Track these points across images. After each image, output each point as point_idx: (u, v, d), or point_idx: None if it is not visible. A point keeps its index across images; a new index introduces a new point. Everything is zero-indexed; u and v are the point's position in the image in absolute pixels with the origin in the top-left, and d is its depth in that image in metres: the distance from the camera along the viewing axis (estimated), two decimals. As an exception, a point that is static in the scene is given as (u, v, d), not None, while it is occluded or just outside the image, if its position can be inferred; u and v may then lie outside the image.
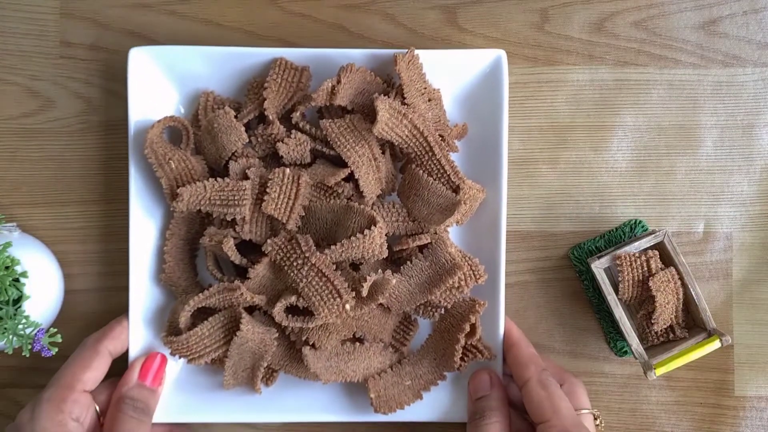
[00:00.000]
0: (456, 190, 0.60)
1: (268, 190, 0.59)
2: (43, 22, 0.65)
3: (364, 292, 0.58)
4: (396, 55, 0.59)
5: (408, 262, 0.61)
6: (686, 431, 0.66)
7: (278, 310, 0.59)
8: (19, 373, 0.65)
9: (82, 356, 0.56)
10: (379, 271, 0.59)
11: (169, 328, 0.61)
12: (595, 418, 0.58)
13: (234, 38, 0.65)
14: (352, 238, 0.58)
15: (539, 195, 0.66)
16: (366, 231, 0.58)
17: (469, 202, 0.60)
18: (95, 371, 0.56)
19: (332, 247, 0.58)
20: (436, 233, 0.61)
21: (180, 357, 0.60)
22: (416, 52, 0.60)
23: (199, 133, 0.62)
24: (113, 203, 0.65)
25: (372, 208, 0.61)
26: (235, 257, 0.59)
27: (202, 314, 0.61)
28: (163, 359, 0.60)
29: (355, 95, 0.61)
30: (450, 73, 0.62)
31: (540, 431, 0.53)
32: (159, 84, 0.62)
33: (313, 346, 0.60)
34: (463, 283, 0.61)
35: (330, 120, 0.61)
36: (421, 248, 0.62)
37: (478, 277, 0.61)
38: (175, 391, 0.62)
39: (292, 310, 0.60)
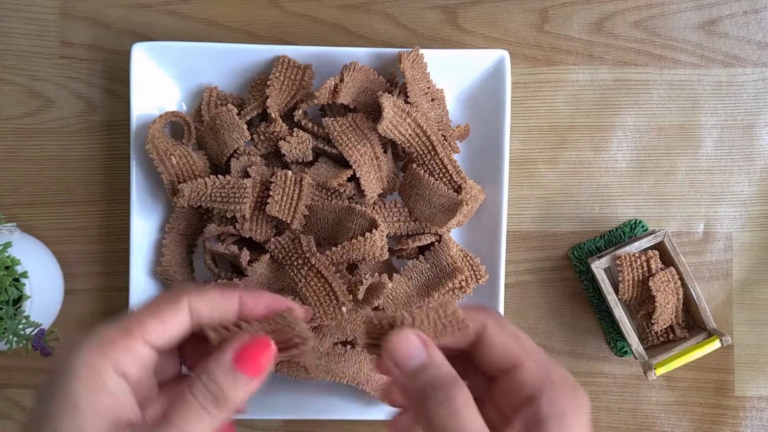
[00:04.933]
0: (458, 190, 0.60)
1: (271, 192, 0.59)
2: (43, 22, 0.65)
3: (360, 295, 0.58)
4: (400, 53, 0.59)
5: (408, 264, 0.61)
6: (686, 431, 0.66)
7: None
8: (19, 373, 0.65)
9: (154, 303, 0.39)
10: (376, 274, 0.59)
11: None
12: None
13: (234, 38, 0.65)
14: (353, 240, 0.58)
15: (539, 195, 0.66)
16: (367, 234, 0.58)
17: (471, 203, 0.60)
18: (166, 325, 0.38)
19: (333, 249, 0.59)
20: (438, 234, 0.61)
21: None
22: (420, 51, 0.60)
23: (201, 129, 0.62)
24: (113, 203, 0.65)
25: (373, 208, 0.61)
26: (244, 258, 0.59)
27: None
28: (271, 349, 0.39)
29: (358, 94, 0.61)
30: (452, 72, 0.62)
31: (513, 380, 0.38)
32: (161, 80, 0.62)
33: None
34: (464, 284, 0.61)
35: (332, 118, 0.61)
36: (421, 249, 0.62)
37: (479, 277, 0.61)
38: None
39: None
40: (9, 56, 0.65)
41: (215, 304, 0.39)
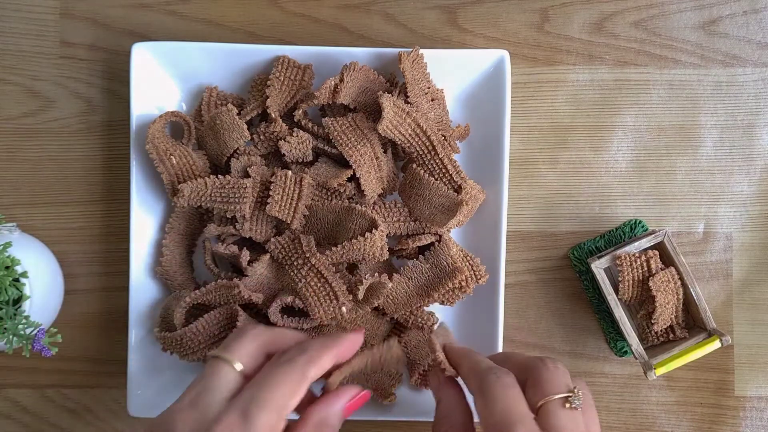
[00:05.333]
0: (458, 190, 0.60)
1: (271, 192, 0.59)
2: (43, 22, 0.65)
3: (360, 295, 0.58)
4: (401, 53, 0.59)
5: (408, 264, 0.61)
6: (686, 431, 0.66)
7: (273, 310, 0.58)
8: (19, 373, 0.65)
9: (292, 379, 0.46)
10: (376, 274, 0.59)
11: (161, 324, 0.61)
12: (567, 400, 0.48)
13: (234, 38, 0.65)
14: (353, 240, 0.58)
15: (539, 195, 0.66)
16: (367, 234, 0.58)
17: (471, 203, 0.60)
18: (298, 399, 0.46)
19: (333, 248, 0.58)
20: (438, 234, 0.61)
21: (172, 353, 0.60)
22: (420, 51, 0.60)
23: (201, 129, 0.62)
24: (113, 203, 0.65)
25: (373, 208, 0.61)
26: (244, 258, 0.59)
27: (195, 310, 0.61)
28: (368, 397, 0.52)
29: (358, 94, 0.61)
30: (452, 72, 0.62)
31: None
32: (161, 80, 0.62)
33: None
34: (464, 284, 0.61)
35: (332, 118, 0.61)
36: (421, 249, 0.62)
37: (479, 277, 0.61)
38: (173, 388, 0.62)
39: (286, 311, 0.60)
40: (9, 56, 0.65)
41: (325, 367, 0.48)
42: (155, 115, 0.61)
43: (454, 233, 0.64)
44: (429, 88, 0.62)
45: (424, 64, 0.61)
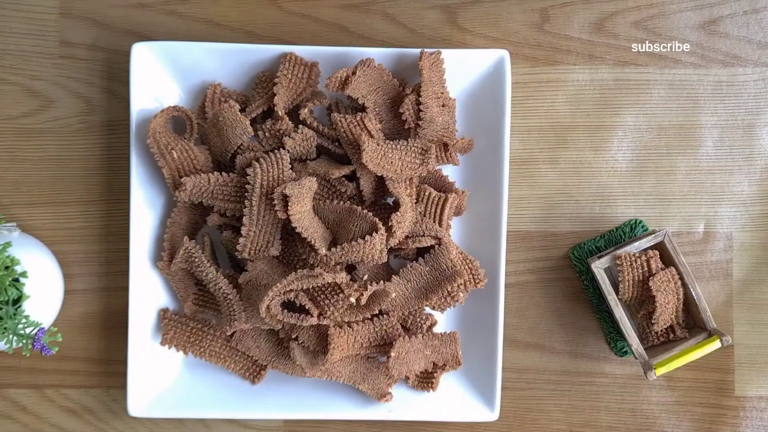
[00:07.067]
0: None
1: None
2: (43, 22, 0.65)
3: (363, 301, 0.58)
4: (422, 51, 0.59)
5: (407, 266, 0.61)
6: (686, 431, 0.66)
7: (275, 305, 0.58)
8: (19, 373, 0.65)
9: None
10: (381, 282, 0.59)
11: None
12: None
13: (234, 38, 0.65)
14: (353, 242, 0.58)
15: (539, 195, 0.66)
16: (367, 237, 0.57)
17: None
18: None
19: (333, 249, 0.58)
20: (438, 238, 0.61)
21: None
22: (442, 56, 0.61)
23: (205, 126, 0.62)
24: (113, 203, 0.65)
25: (373, 209, 0.61)
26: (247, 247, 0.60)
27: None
28: None
29: (369, 92, 0.61)
30: (452, 72, 0.62)
31: None
32: (161, 80, 0.62)
33: (301, 343, 0.61)
34: (462, 287, 0.60)
35: (341, 114, 0.60)
36: (420, 251, 0.62)
37: (477, 282, 0.61)
38: (173, 388, 0.62)
39: (287, 306, 0.60)
40: (9, 56, 0.65)
41: None
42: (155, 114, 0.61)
43: (454, 233, 0.64)
44: (442, 93, 0.62)
45: (443, 69, 0.61)
